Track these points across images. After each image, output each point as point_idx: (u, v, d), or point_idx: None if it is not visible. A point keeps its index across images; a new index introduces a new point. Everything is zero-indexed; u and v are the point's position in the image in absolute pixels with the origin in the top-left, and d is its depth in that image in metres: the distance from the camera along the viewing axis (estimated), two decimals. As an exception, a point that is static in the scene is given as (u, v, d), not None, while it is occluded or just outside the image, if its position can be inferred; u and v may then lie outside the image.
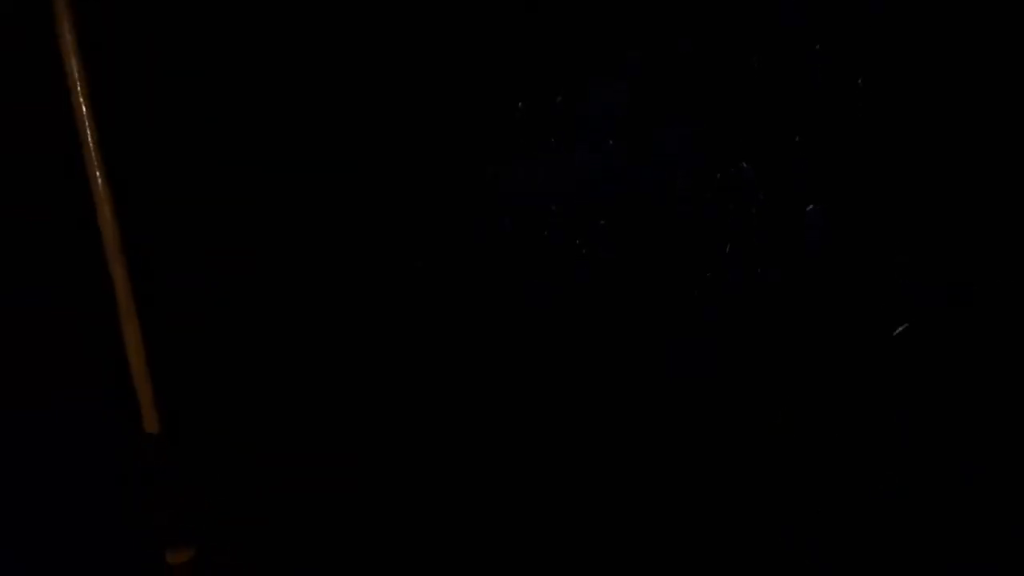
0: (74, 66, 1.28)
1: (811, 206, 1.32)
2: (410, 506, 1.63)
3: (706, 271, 1.52)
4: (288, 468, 1.61)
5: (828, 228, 1.48)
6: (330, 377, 1.60)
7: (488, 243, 1.54)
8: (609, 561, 1.61)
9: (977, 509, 1.50)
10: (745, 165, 1.35)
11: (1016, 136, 1.41)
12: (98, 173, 1.33)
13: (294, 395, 1.61)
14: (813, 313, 1.51)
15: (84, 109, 1.31)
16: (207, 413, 1.59)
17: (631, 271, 1.53)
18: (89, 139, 1.32)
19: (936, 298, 1.47)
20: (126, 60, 1.46)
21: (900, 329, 1.38)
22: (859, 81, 1.42)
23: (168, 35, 1.48)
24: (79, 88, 1.29)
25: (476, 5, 1.47)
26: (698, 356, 1.55)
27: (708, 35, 1.45)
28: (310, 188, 1.54)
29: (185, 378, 1.55)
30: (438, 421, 1.61)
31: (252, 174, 1.53)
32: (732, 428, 1.56)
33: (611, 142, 1.49)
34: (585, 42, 1.48)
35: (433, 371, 1.59)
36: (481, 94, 1.51)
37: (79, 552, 1.59)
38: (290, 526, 1.63)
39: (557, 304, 1.56)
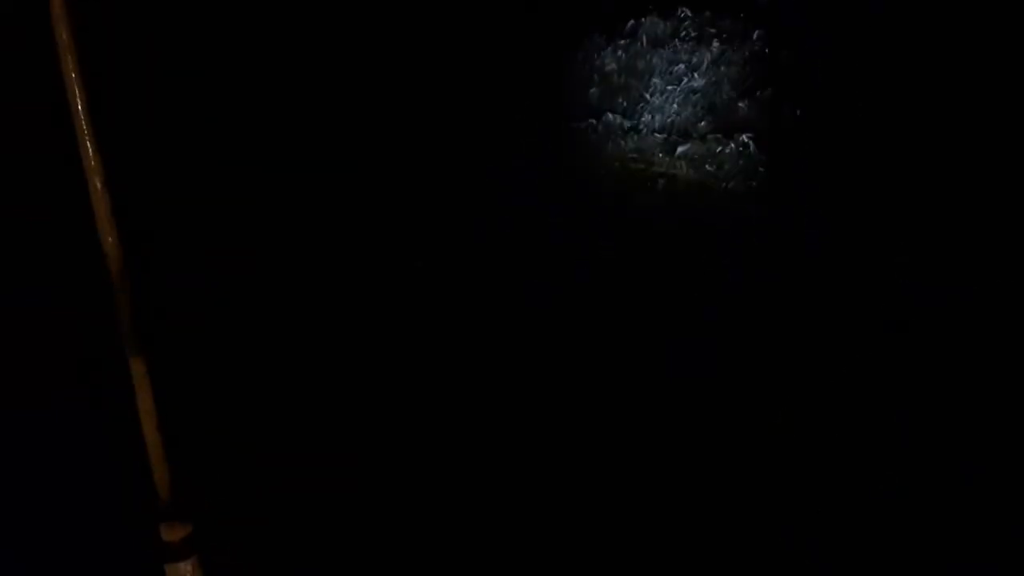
0: (72, 66, 1.28)
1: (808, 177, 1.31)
2: (410, 504, 1.63)
3: (706, 270, 1.52)
4: (287, 465, 1.62)
5: (828, 228, 1.48)
6: (330, 375, 1.60)
7: (488, 243, 1.54)
8: (609, 560, 1.61)
9: (977, 509, 1.50)
10: (745, 137, 1.35)
11: (1016, 136, 1.41)
12: (97, 172, 1.33)
13: (294, 393, 1.61)
14: (813, 313, 1.51)
15: (82, 109, 1.31)
16: (208, 409, 1.60)
17: (631, 271, 1.53)
18: (88, 139, 1.32)
19: (936, 298, 1.47)
20: (125, 60, 1.46)
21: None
22: (859, 82, 1.42)
23: (168, 35, 1.48)
24: (77, 88, 1.29)
25: (475, 6, 1.47)
26: (698, 356, 1.55)
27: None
28: (310, 188, 1.54)
29: (186, 376, 1.55)
30: (438, 420, 1.61)
31: (252, 174, 1.53)
32: (732, 428, 1.56)
33: (609, 129, 1.48)
34: (582, 38, 1.48)
35: (433, 370, 1.60)
36: (481, 94, 1.51)
37: (78, 544, 1.60)
38: (289, 523, 1.64)
39: (557, 304, 1.56)
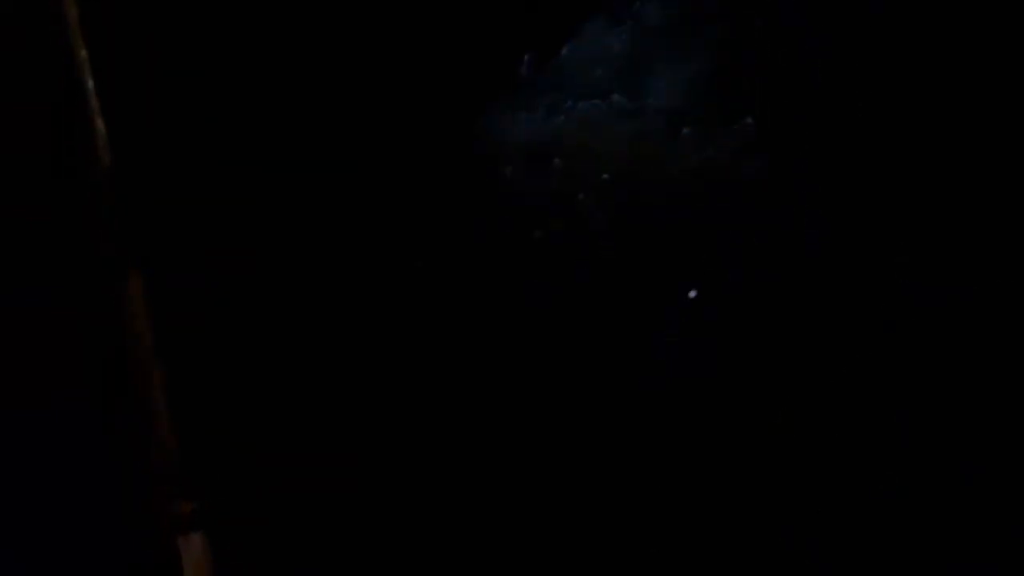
0: (81, 64, 1.29)
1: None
2: (409, 504, 1.63)
3: (706, 270, 1.52)
4: (289, 466, 1.61)
5: (828, 228, 1.48)
6: (330, 376, 1.60)
7: (488, 243, 1.54)
8: (608, 561, 1.61)
9: (977, 509, 1.50)
10: (744, 138, 1.35)
11: (1016, 136, 1.41)
12: (100, 170, 1.33)
13: (294, 393, 1.61)
14: (813, 313, 1.51)
15: (92, 108, 1.31)
16: (210, 410, 1.60)
17: (631, 270, 1.53)
18: (93, 136, 1.32)
19: (936, 298, 1.47)
20: (132, 59, 1.46)
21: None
22: (859, 80, 1.42)
23: (173, 35, 1.49)
24: (80, 85, 1.30)
25: (475, 5, 1.48)
26: (698, 356, 1.55)
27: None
28: (310, 188, 1.54)
29: (188, 376, 1.55)
30: (438, 420, 1.61)
31: (253, 174, 1.53)
32: (732, 428, 1.55)
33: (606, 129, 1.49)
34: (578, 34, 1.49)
35: (433, 371, 1.59)
36: (481, 93, 1.51)
37: (85, 531, 1.60)
38: (290, 524, 1.63)
39: (557, 304, 1.56)
